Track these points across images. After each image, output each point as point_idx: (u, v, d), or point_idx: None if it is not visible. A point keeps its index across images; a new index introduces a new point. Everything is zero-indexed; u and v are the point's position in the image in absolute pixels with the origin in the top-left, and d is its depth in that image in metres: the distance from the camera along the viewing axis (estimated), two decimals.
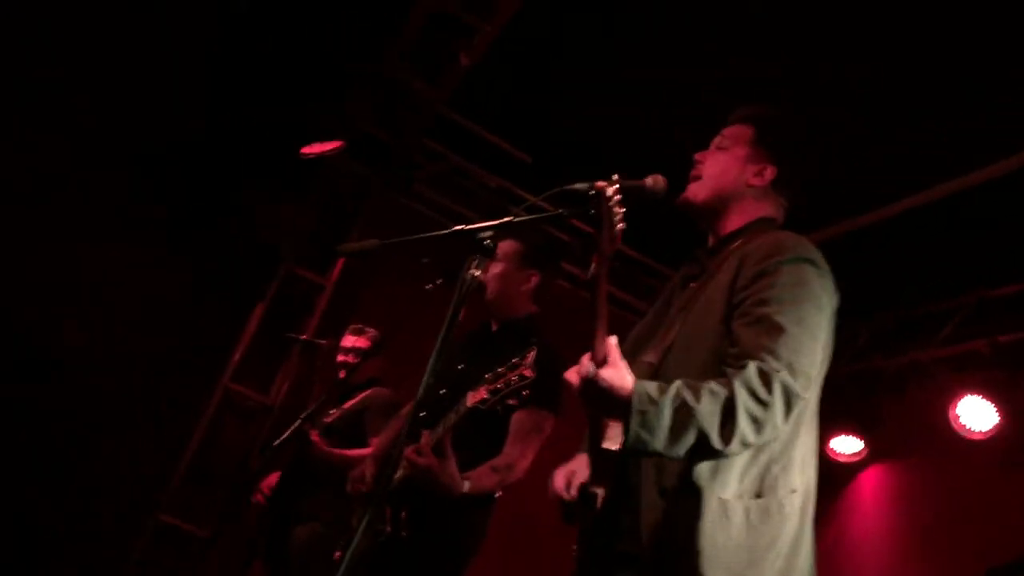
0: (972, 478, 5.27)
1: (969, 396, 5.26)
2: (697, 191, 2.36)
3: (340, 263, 5.85)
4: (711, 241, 2.39)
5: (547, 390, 3.14)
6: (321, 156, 5.26)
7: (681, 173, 2.42)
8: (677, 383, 1.90)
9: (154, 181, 5.34)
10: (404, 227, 5.99)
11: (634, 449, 1.89)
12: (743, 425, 1.86)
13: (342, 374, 4.82)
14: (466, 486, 2.98)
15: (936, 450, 5.57)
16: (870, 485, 6.07)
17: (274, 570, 4.42)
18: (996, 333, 5.29)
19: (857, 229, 5.26)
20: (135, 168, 5.31)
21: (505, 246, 3.44)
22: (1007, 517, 4.82)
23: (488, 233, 2.16)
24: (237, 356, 5.61)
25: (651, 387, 1.89)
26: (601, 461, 2.06)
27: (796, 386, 1.92)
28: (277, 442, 4.47)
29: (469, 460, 3.05)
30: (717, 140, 2.42)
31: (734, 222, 2.33)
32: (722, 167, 2.35)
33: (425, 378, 2.11)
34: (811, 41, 4.23)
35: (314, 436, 4.37)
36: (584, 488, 2.06)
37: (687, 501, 1.96)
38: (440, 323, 2.13)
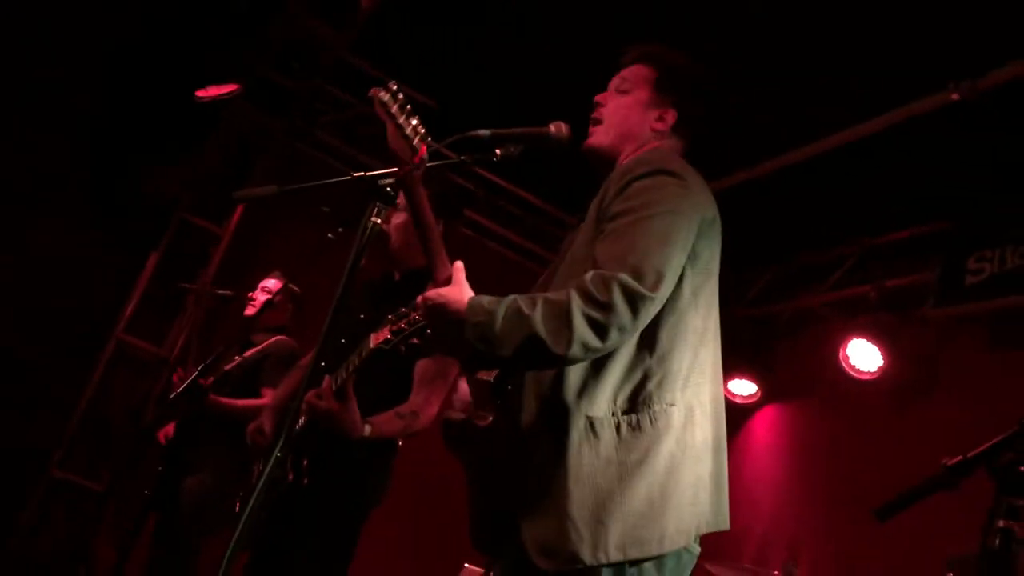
0: (860, 417, 5.51)
1: (857, 339, 5.46)
2: (601, 138, 2.32)
3: (238, 212, 5.70)
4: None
5: None
6: (216, 99, 5.09)
7: (586, 120, 2.39)
8: (513, 295, 1.89)
9: (49, 136, 5.11)
10: (306, 176, 5.81)
11: (477, 361, 1.91)
12: (581, 329, 1.83)
13: (249, 310, 4.72)
14: (367, 430, 2.96)
15: (827, 391, 5.80)
16: (763, 425, 6.30)
17: (166, 521, 4.35)
18: (883, 278, 5.50)
19: (751, 179, 5.36)
20: (29, 125, 5.05)
21: (403, 199, 3.39)
22: (893, 452, 5.07)
23: (389, 180, 2.12)
24: (130, 308, 5.44)
25: (486, 299, 1.89)
26: (479, 391, 2.08)
27: (638, 285, 1.87)
28: (173, 395, 4.37)
29: (375, 403, 3.04)
30: (617, 81, 2.37)
31: (619, 157, 2.30)
32: (624, 112, 2.31)
33: (325, 326, 2.07)
34: None
35: (207, 387, 4.29)
36: (469, 419, 2.07)
37: (557, 422, 1.96)
38: (341, 271, 2.09)
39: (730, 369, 6.14)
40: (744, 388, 6.29)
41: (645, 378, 2.01)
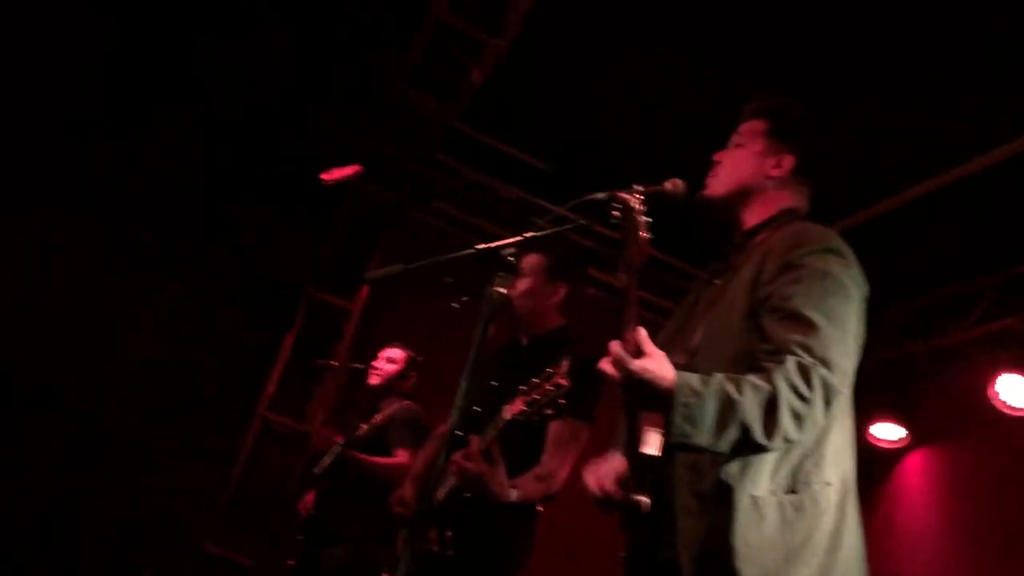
0: (1016, 455, 5.21)
1: (1006, 374, 5.19)
2: (715, 187, 2.34)
3: (366, 286, 5.89)
4: (736, 238, 2.36)
5: (582, 400, 3.13)
6: (341, 181, 5.29)
7: (700, 177, 2.40)
8: (718, 375, 1.87)
9: (180, 219, 5.42)
10: (426, 245, 6.02)
11: (678, 444, 1.86)
12: (785, 421, 1.84)
13: (373, 380, 4.84)
14: (515, 494, 2.95)
15: (978, 430, 5.50)
16: (915, 470, 6.01)
17: None
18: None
19: (882, 214, 5.21)
20: (161, 205, 5.38)
21: (530, 260, 3.41)
22: None
23: (510, 249, 2.16)
24: (272, 386, 5.65)
25: (693, 379, 1.86)
26: (641, 467, 2.05)
27: (835, 382, 1.90)
28: (317, 469, 4.50)
29: (511, 470, 3.04)
30: (734, 139, 2.39)
31: (757, 215, 2.29)
32: (740, 163, 2.32)
33: (459, 396, 2.11)
34: (823, 35, 4.21)
35: (350, 448, 4.40)
36: (628, 496, 2.05)
37: (719, 501, 1.93)
38: (468, 340, 2.13)
39: (873, 413, 5.90)
40: (891, 432, 6.02)
41: (803, 457, 1.99)
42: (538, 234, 2.19)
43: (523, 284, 3.37)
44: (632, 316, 1.94)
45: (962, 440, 5.71)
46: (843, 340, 1.98)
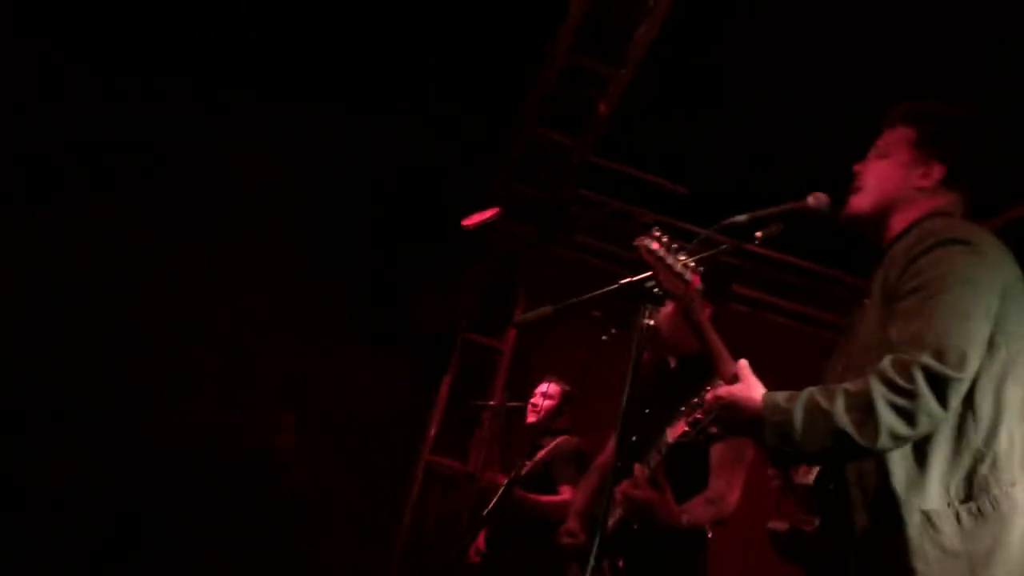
0: None
1: None
2: (860, 202, 2.22)
3: None
4: (882, 250, 2.25)
5: None
6: (482, 224, 5.42)
7: (835, 188, 2.32)
8: (809, 389, 1.87)
9: (333, 279, 5.65)
10: (571, 279, 6.07)
11: (776, 460, 1.93)
12: (887, 418, 1.78)
13: (531, 418, 4.89)
14: (685, 519, 2.93)
15: None
16: None
17: None
18: None
19: None
20: (318, 270, 5.63)
21: None
22: None
23: (654, 281, 2.17)
24: (434, 429, 5.79)
25: (781, 396, 1.88)
26: (802, 497, 2.03)
27: (942, 367, 1.79)
28: (487, 510, 4.57)
29: (678, 495, 3.01)
30: (876, 148, 2.28)
31: (900, 225, 2.19)
32: (884, 174, 2.21)
33: (618, 426, 2.12)
34: (964, 29, 4.02)
35: (515, 489, 4.45)
36: (794, 527, 2.02)
37: (890, 521, 1.87)
38: (619, 371, 2.15)
39: None
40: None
41: (975, 462, 1.90)
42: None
43: (669, 307, 3.36)
44: (718, 350, 2.04)
45: None
46: (961, 326, 1.86)
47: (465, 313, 6.08)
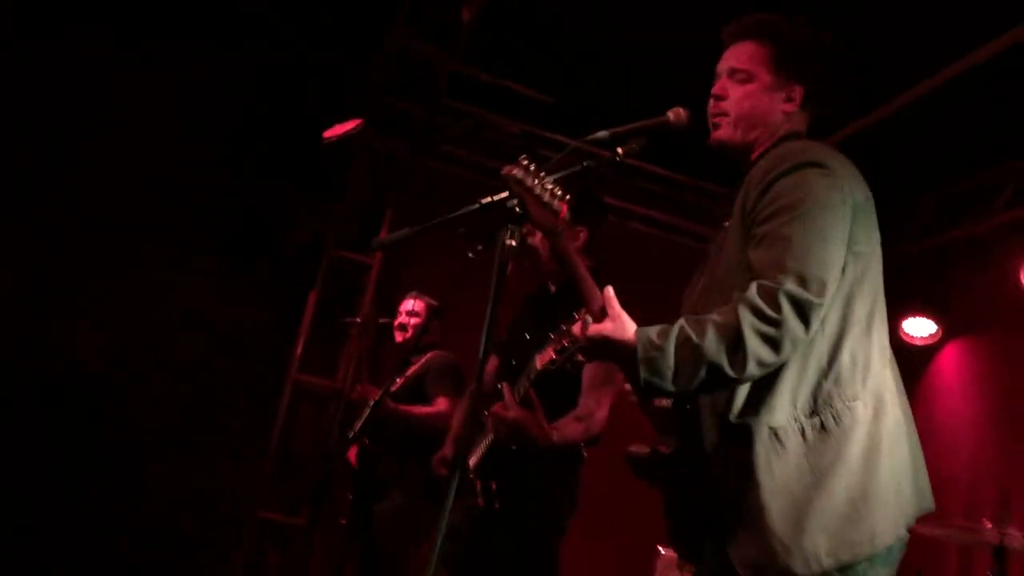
0: None
1: None
2: (729, 131, 2.20)
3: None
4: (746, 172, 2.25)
5: None
6: (343, 137, 5.25)
7: (700, 99, 2.30)
8: (680, 321, 1.87)
9: (198, 191, 5.41)
10: (441, 190, 6.00)
11: (648, 393, 1.89)
12: (755, 347, 1.81)
13: (398, 337, 4.87)
14: (556, 435, 2.98)
15: (1012, 318, 5.44)
16: (949, 365, 5.97)
17: (366, 546, 4.52)
18: None
19: (901, 107, 5.07)
20: (174, 183, 5.37)
21: None
22: None
23: (516, 200, 2.13)
24: (300, 348, 5.69)
25: (653, 332, 1.87)
26: (659, 419, 2.07)
27: (806, 294, 1.83)
28: (357, 426, 4.54)
29: (549, 417, 3.05)
30: (727, 66, 2.23)
31: (753, 146, 2.20)
32: (750, 102, 2.18)
33: (481, 351, 2.09)
34: None
35: (386, 401, 4.43)
36: (654, 449, 2.07)
37: (741, 439, 1.93)
38: (486, 288, 2.11)
39: (904, 309, 5.85)
40: (923, 328, 5.95)
41: (820, 377, 1.96)
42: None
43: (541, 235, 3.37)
44: (586, 281, 1.99)
45: (996, 330, 5.64)
46: (821, 249, 1.90)
47: (334, 228, 5.94)
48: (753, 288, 1.85)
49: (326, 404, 5.74)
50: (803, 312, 1.83)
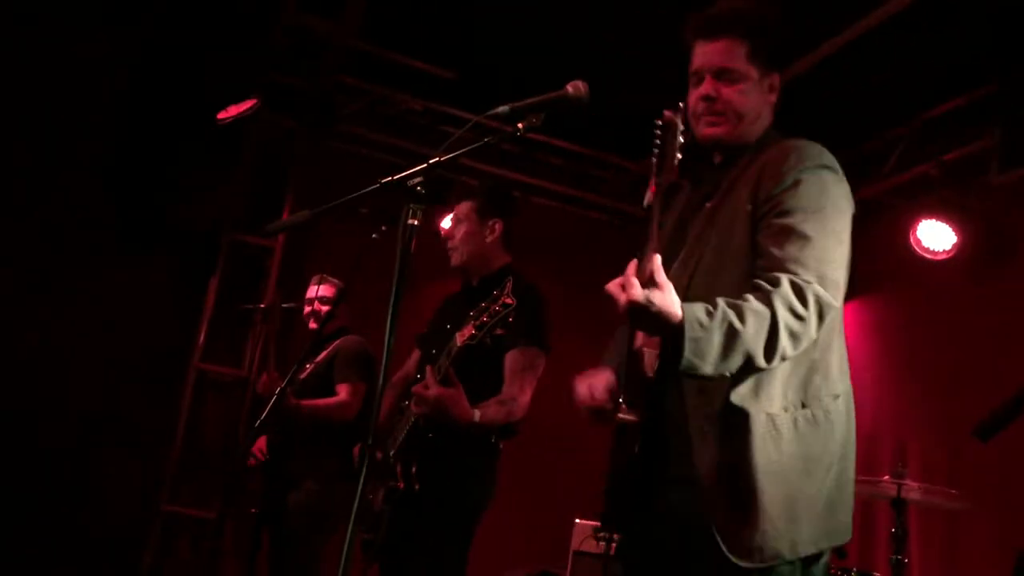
0: (942, 297, 5.38)
1: (926, 220, 5.31)
2: (729, 128, 2.24)
3: None
4: (717, 158, 2.31)
5: (535, 328, 3.23)
6: (238, 118, 5.10)
7: (603, 76, 2.30)
8: (721, 305, 1.88)
9: (90, 179, 5.18)
10: (340, 169, 5.89)
11: (685, 373, 1.90)
12: (784, 342, 1.89)
13: (313, 324, 4.79)
14: (477, 415, 2.99)
15: (904, 277, 5.66)
16: (848, 324, 6.15)
17: (278, 537, 4.45)
18: (942, 153, 5.32)
19: (790, 74, 5.18)
20: (71, 168, 5.13)
21: (461, 208, 3.48)
22: (983, 329, 4.94)
23: (417, 179, 2.09)
24: (202, 336, 5.54)
25: (700, 311, 1.86)
26: (635, 387, 2.08)
27: (828, 296, 1.94)
28: (263, 415, 4.44)
29: (471, 399, 3.04)
30: (714, 65, 2.23)
31: (747, 136, 2.26)
32: (746, 100, 2.23)
33: (388, 329, 2.06)
34: None
35: (287, 395, 4.35)
36: (618, 413, 2.08)
37: (736, 422, 1.98)
38: (391, 269, 2.07)
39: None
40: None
41: (810, 371, 2.05)
42: (440, 159, 2.11)
43: (460, 231, 3.43)
44: (652, 242, 1.92)
45: (891, 289, 5.86)
46: (837, 253, 2.02)
47: (231, 211, 5.77)
48: (786, 284, 1.91)
49: (232, 394, 5.60)
50: (823, 313, 1.94)
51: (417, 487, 3.08)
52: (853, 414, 2.13)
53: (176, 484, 5.39)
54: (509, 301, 2.77)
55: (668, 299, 1.84)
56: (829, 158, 2.14)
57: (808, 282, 1.92)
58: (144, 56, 5.24)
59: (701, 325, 1.84)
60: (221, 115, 5.04)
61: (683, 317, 1.84)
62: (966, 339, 5.04)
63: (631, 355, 2.13)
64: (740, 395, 1.98)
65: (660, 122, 2.04)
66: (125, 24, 5.12)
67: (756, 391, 1.99)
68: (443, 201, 3.77)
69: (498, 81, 4.28)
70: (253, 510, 4.51)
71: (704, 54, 2.25)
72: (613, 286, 1.88)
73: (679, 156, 2.03)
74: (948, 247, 5.26)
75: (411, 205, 2.07)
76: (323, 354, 4.74)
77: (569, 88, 2.23)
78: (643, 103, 5.28)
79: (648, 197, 2.01)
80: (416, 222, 2.06)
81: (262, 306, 5.04)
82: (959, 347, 5.08)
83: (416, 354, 3.60)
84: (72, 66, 5.06)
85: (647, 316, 1.85)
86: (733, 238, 2.11)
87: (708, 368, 1.86)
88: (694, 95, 2.26)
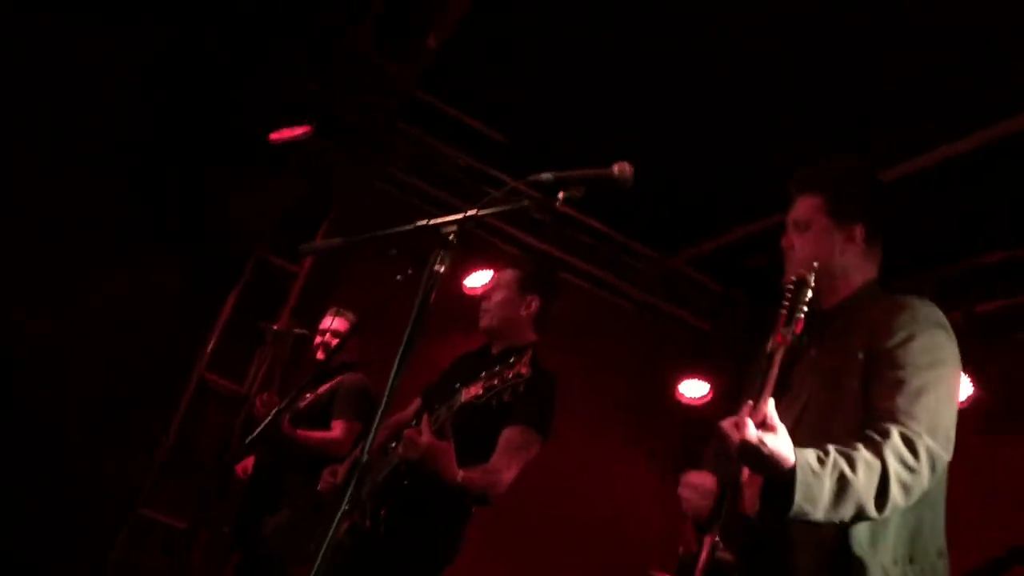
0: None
1: None
2: (798, 269, 2.30)
3: None
4: (817, 307, 2.34)
5: (542, 413, 3.21)
6: (291, 141, 5.18)
7: (650, 153, 2.36)
8: (833, 452, 1.93)
9: (121, 176, 5.24)
10: (378, 210, 5.95)
11: (793, 519, 1.92)
12: (895, 494, 1.92)
13: (320, 355, 4.80)
14: (461, 475, 2.95)
15: None
16: None
17: (248, 559, 4.40)
18: (971, 304, 5.30)
19: None
20: (102, 165, 5.20)
21: (504, 274, 3.52)
22: (995, 482, 4.88)
23: (452, 228, 2.12)
24: (211, 345, 5.55)
25: (812, 458, 1.91)
26: (733, 522, 2.11)
27: (939, 449, 1.98)
28: (254, 434, 4.44)
29: (460, 458, 3.02)
30: (792, 218, 2.41)
31: (843, 290, 2.35)
32: (812, 246, 2.35)
33: (394, 370, 2.07)
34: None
35: (283, 420, 4.34)
36: (715, 554, 2.11)
37: (853, 570, 2.01)
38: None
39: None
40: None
41: (920, 523, 2.08)
42: (479, 213, 2.15)
43: (497, 296, 3.46)
44: (768, 388, 2.00)
45: None
46: (949, 408, 2.06)
47: (265, 230, 5.83)
48: (897, 436, 1.96)
49: (230, 408, 5.59)
50: (935, 466, 1.98)
51: (382, 530, 3.04)
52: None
53: (157, 489, 5.34)
54: (524, 371, 2.74)
55: (781, 443, 1.91)
56: (941, 317, 2.21)
57: (919, 434, 1.96)
58: (183, 57, 5.28)
59: (813, 471, 1.89)
60: (274, 136, 5.12)
61: (795, 462, 1.88)
62: (977, 490, 4.96)
63: (730, 492, 2.16)
64: (859, 544, 2.01)
65: (794, 280, 2.15)
66: (133, 23, 5.15)
67: (873, 541, 2.02)
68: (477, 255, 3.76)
69: (546, 152, 4.34)
70: (227, 528, 4.47)
71: (791, 210, 2.43)
72: (728, 424, 1.96)
73: (806, 311, 2.15)
74: (963, 398, 5.20)
75: (441, 251, 2.09)
76: (325, 386, 4.75)
77: (615, 168, 2.28)
78: (682, 195, 5.35)
79: (771, 343, 2.10)
80: (443, 269, 2.08)
81: (275, 327, 5.07)
82: (969, 497, 4.99)
83: (417, 402, 3.59)
84: (72, 65, 5.10)
85: (759, 457, 1.91)
86: (842, 388, 2.16)
87: (819, 515, 1.89)
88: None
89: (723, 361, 6.83)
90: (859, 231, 2.35)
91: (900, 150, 4.63)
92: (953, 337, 2.20)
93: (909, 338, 2.12)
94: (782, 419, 2.12)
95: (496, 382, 2.76)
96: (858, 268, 2.36)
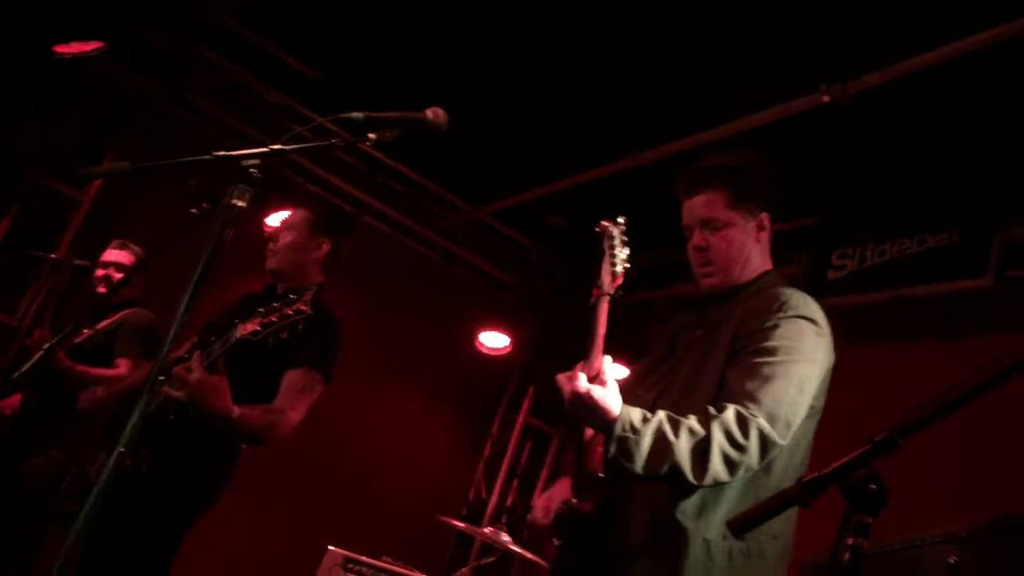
0: None
1: None
2: (722, 278, 2.37)
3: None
4: (716, 291, 2.41)
5: (325, 354, 3.14)
6: (78, 56, 4.77)
7: (454, 91, 2.32)
8: (661, 414, 2.00)
9: None
10: (177, 140, 5.61)
11: (611, 472, 2.00)
12: (716, 464, 1.96)
13: (102, 289, 4.51)
14: (236, 412, 2.84)
15: None
16: None
17: (5, 501, 4.11)
18: None
19: (640, 166, 5.37)
20: None
21: (295, 215, 3.38)
22: None
23: (254, 161, 2.01)
24: None
25: (635, 415, 1.98)
26: (586, 480, 2.17)
27: (773, 433, 2.02)
28: (24, 368, 4.12)
29: (237, 397, 2.89)
30: (699, 217, 2.38)
31: (743, 276, 2.37)
32: (731, 246, 2.35)
33: (181, 309, 1.95)
34: None
35: (58, 354, 4.06)
36: (569, 504, 2.19)
37: (674, 537, 2.06)
38: (203, 249, 1.97)
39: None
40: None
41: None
42: (280, 148, 2.05)
43: (286, 237, 3.32)
44: (598, 342, 2.08)
45: None
46: (796, 398, 2.10)
47: (45, 153, 5.37)
48: (731, 412, 2.01)
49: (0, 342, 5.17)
50: (765, 448, 2.02)
51: (144, 469, 2.90)
52: (788, 562, 2.18)
53: None
54: (304, 308, 2.66)
55: (610, 396, 1.99)
56: (814, 311, 2.25)
57: (755, 416, 2.01)
58: None
59: (633, 428, 1.97)
60: (60, 48, 4.69)
61: (617, 416, 1.97)
62: None
63: (580, 450, 2.22)
64: (683, 512, 2.07)
65: (597, 230, 2.20)
66: None
67: (700, 512, 2.07)
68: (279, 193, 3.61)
69: (363, 95, 4.23)
70: None
71: (689, 210, 2.42)
72: (562, 377, 2.05)
73: (626, 266, 2.24)
74: None
75: (240, 186, 1.98)
76: (106, 321, 4.48)
77: (428, 113, 2.24)
78: (498, 149, 5.37)
79: (591, 300, 2.17)
80: (242, 204, 1.97)
81: (52, 256, 4.70)
82: None
83: (193, 339, 3.41)
84: None
85: (586, 408, 1.99)
86: (705, 368, 2.22)
87: (637, 469, 1.96)
88: (689, 249, 2.43)
89: (525, 313, 6.98)
90: (766, 219, 2.39)
91: None
92: (823, 332, 2.23)
93: (773, 327, 2.16)
94: (647, 390, 2.29)
95: (274, 318, 2.67)
96: (760, 255, 2.39)
